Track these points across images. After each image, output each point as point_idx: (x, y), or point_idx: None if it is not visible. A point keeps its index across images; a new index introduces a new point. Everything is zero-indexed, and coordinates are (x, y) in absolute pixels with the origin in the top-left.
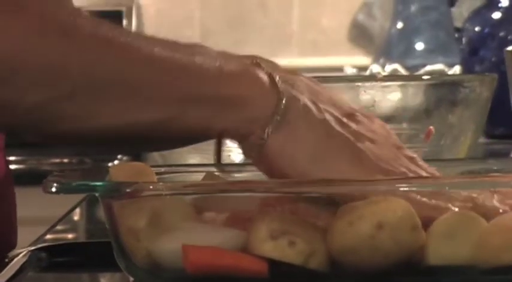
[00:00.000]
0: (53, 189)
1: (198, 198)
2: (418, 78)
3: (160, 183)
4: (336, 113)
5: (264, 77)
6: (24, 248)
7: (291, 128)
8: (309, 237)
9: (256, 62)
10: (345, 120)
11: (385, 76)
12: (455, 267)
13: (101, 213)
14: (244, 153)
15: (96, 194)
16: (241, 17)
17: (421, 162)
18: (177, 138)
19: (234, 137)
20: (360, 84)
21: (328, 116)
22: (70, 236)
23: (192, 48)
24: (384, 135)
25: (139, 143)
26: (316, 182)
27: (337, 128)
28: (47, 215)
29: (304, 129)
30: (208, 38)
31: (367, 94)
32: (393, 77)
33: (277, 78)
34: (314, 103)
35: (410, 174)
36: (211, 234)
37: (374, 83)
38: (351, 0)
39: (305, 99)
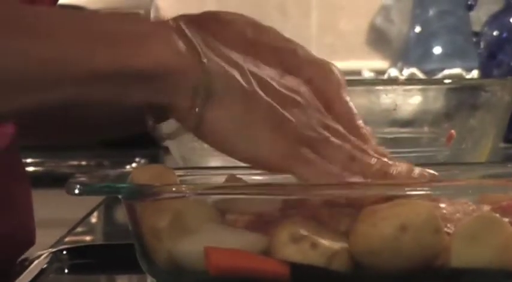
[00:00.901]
0: (76, 191)
1: (220, 200)
2: (439, 82)
3: (183, 185)
4: (264, 76)
5: (184, 47)
6: (44, 249)
7: (216, 98)
8: (330, 239)
9: (181, 30)
10: (274, 83)
11: (406, 80)
12: (479, 270)
13: (118, 215)
14: (183, 126)
15: (119, 196)
16: (260, 19)
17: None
18: (99, 116)
19: (158, 109)
20: (381, 87)
21: (254, 84)
22: (88, 238)
23: (113, 18)
24: (308, 98)
25: (76, 122)
26: (337, 186)
27: (263, 95)
28: (65, 217)
29: (229, 99)
30: None
31: (389, 98)
32: (414, 80)
33: (199, 46)
34: (241, 71)
35: (333, 139)
36: (233, 236)
37: (396, 87)
38: (369, 4)
39: (230, 68)
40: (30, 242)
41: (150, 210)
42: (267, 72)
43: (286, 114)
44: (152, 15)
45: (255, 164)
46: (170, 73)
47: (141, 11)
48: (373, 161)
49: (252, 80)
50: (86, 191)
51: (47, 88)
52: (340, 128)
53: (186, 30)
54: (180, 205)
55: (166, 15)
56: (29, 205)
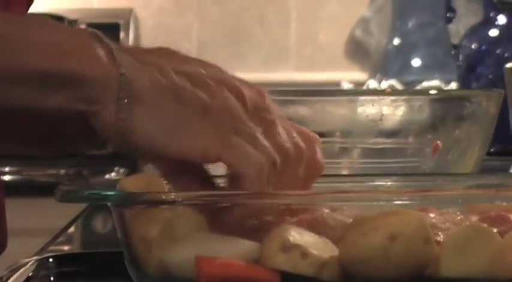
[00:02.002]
0: (66, 198)
1: (210, 208)
2: (425, 92)
3: (173, 193)
4: (186, 70)
5: (101, 51)
6: (27, 258)
7: (140, 103)
8: (321, 248)
9: (97, 36)
10: (198, 75)
11: (393, 90)
12: (469, 280)
13: (97, 224)
14: (101, 134)
15: (108, 204)
16: (239, 31)
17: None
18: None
19: (77, 115)
20: (367, 98)
21: (178, 81)
22: (68, 246)
23: (28, 20)
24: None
25: None
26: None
27: (188, 90)
28: (43, 225)
29: (153, 102)
30: (205, 51)
31: (375, 108)
32: (400, 91)
33: (116, 52)
34: (163, 71)
35: (259, 134)
36: (224, 245)
37: (382, 97)
38: (348, 16)
39: (152, 68)
40: (2, 245)
41: (140, 218)
42: (191, 68)
43: (215, 103)
44: (132, 25)
45: (183, 158)
46: (89, 79)
47: (121, 21)
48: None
49: (174, 75)
50: (76, 198)
51: None
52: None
53: (103, 38)
54: (170, 213)
55: (146, 25)
56: (1, 210)
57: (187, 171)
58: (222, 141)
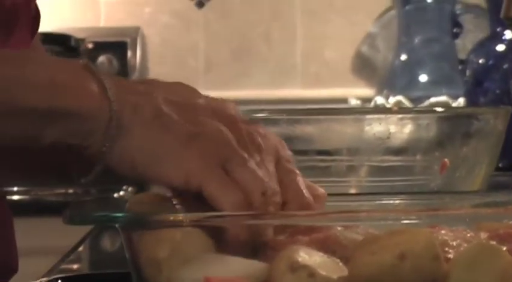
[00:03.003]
0: (74, 221)
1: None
2: (432, 110)
3: (181, 215)
4: (176, 99)
5: (94, 86)
6: (35, 279)
7: (127, 135)
8: (330, 268)
9: (89, 69)
10: (188, 106)
11: (400, 108)
12: None
13: (105, 244)
14: (92, 162)
15: (116, 225)
16: (245, 48)
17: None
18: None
19: (70, 148)
20: (375, 116)
21: (165, 110)
22: (77, 266)
23: (23, 58)
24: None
25: None
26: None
27: (173, 115)
28: (52, 245)
29: (140, 133)
30: (212, 68)
31: (382, 126)
32: (407, 109)
33: (108, 84)
34: (149, 99)
35: (250, 164)
36: (232, 265)
37: (389, 115)
38: (354, 32)
39: (138, 99)
40: (13, 269)
41: (148, 239)
42: (181, 96)
43: (199, 133)
44: (139, 43)
45: (166, 185)
46: (80, 114)
47: (128, 40)
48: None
49: (162, 104)
50: (84, 220)
51: None
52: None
53: (95, 70)
54: (179, 234)
55: (153, 43)
56: (11, 232)
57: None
58: (205, 171)
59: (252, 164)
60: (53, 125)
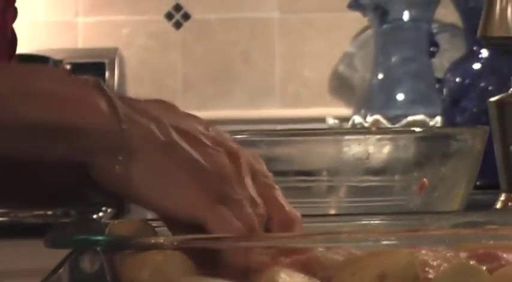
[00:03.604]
0: (55, 244)
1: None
2: (411, 131)
3: (162, 238)
4: (185, 128)
5: (104, 103)
6: None
7: (135, 156)
8: None
9: (99, 87)
10: (197, 135)
11: (378, 129)
12: None
13: (85, 265)
14: (99, 183)
15: (98, 248)
16: (224, 68)
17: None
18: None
19: (77, 166)
20: (354, 137)
21: (173, 137)
22: None
23: (33, 71)
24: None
25: None
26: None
27: (182, 147)
28: (30, 267)
29: (147, 156)
30: (190, 89)
31: (361, 147)
32: (386, 129)
33: (118, 103)
34: (160, 125)
35: (245, 202)
36: None
37: (368, 136)
38: (332, 51)
39: (149, 122)
40: None
41: (130, 262)
42: (190, 125)
43: (206, 165)
44: (117, 64)
45: (169, 215)
46: (90, 131)
47: (106, 61)
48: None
49: (172, 131)
50: (65, 244)
51: None
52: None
53: (106, 89)
54: (160, 257)
55: (131, 64)
56: None
57: None
58: (208, 205)
59: (246, 202)
60: (61, 141)
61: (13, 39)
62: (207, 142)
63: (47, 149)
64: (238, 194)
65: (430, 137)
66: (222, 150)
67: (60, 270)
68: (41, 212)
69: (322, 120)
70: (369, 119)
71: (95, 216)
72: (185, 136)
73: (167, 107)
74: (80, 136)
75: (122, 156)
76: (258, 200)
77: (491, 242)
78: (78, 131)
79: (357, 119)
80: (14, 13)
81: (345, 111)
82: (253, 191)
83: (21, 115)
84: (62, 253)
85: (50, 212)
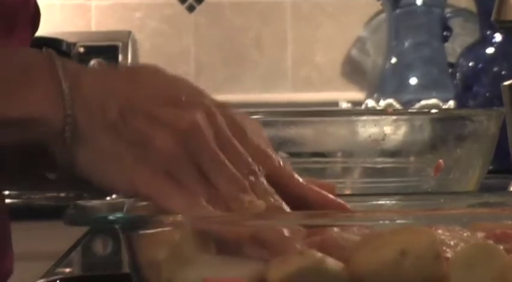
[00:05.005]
0: (73, 222)
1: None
2: (427, 112)
3: (180, 215)
4: (136, 104)
5: (50, 89)
6: (33, 281)
7: (80, 139)
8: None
9: (49, 61)
10: (150, 109)
11: (394, 110)
12: None
13: (97, 247)
14: (60, 165)
15: (116, 226)
16: (236, 53)
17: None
18: None
19: (30, 151)
20: (370, 117)
21: (120, 112)
22: (68, 270)
23: None
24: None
25: None
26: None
27: (130, 121)
28: (43, 249)
29: (93, 135)
30: (203, 73)
31: (377, 128)
32: (403, 111)
33: (64, 85)
34: (107, 101)
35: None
36: (230, 266)
37: (384, 117)
38: (345, 36)
39: (96, 104)
40: (9, 271)
41: (148, 241)
42: (144, 101)
43: (155, 138)
44: (130, 48)
45: (117, 190)
46: (38, 119)
47: (119, 44)
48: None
49: (116, 110)
50: (84, 221)
51: None
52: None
53: (57, 64)
54: (178, 236)
55: (144, 48)
56: (7, 234)
57: None
58: (149, 181)
59: (225, 161)
60: (11, 131)
61: (36, 14)
62: (169, 104)
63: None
64: (189, 168)
65: (445, 118)
66: (194, 108)
67: (73, 253)
68: (54, 194)
69: (334, 104)
70: (382, 103)
71: (108, 198)
72: (133, 114)
73: (131, 72)
74: (28, 126)
75: (69, 141)
76: (245, 157)
77: (510, 221)
78: (25, 121)
79: (370, 103)
80: None
81: (357, 95)
82: (236, 149)
83: None
84: (74, 236)
85: (62, 194)
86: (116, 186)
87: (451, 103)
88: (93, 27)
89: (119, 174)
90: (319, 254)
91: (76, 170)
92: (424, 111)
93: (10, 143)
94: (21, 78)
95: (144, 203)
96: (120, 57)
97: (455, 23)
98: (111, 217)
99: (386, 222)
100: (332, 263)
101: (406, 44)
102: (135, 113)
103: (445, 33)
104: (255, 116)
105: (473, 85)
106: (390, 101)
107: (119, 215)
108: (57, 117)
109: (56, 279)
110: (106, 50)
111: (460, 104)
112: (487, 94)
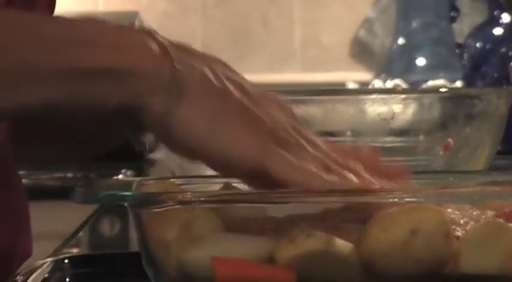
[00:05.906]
0: (83, 199)
1: (225, 208)
2: (436, 90)
3: (190, 193)
4: (237, 79)
5: (155, 46)
6: (43, 259)
7: (189, 98)
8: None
9: (150, 33)
10: (247, 87)
11: (403, 89)
12: (487, 276)
13: (105, 227)
14: (148, 129)
15: (125, 204)
16: (243, 33)
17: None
18: (79, 121)
19: (131, 111)
20: (379, 96)
21: (226, 84)
22: (76, 249)
23: (86, 23)
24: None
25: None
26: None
27: (236, 95)
28: (51, 229)
29: (201, 99)
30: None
31: (386, 107)
32: (411, 89)
33: (170, 47)
34: (213, 72)
35: (307, 146)
36: (239, 244)
37: (394, 96)
38: (352, 17)
39: (203, 68)
40: (27, 253)
41: (158, 219)
42: (240, 78)
43: (260, 113)
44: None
45: (227, 164)
46: (144, 73)
47: (126, 24)
48: (349, 175)
49: (225, 80)
50: (93, 199)
51: (28, 87)
52: (317, 140)
53: (157, 35)
54: (188, 214)
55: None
56: (26, 216)
57: None
58: (267, 149)
59: (307, 145)
60: (118, 84)
61: None
62: (256, 93)
63: (105, 94)
64: (296, 138)
65: (454, 97)
66: (275, 105)
67: (81, 233)
68: (61, 175)
69: (342, 85)
70: (389, 83)
71: (115, 177)
72: (235, 85)
73: (216, 59)
74: (133, 78)
75: (172, 96)
76: (322, 144)
77: None
78: (133, 73)
79: (377, 83)
80: None
81: (364, 75)
82: (313, 138)
83: (74, 61)
84: (81, 216)
85: (70, 174)
86: (224, 152)
87: (458, 84)
88: (101, 8)
89: (228, 140)
90: (328, 236)
91: (172, 135)
92: (433, 90)
93: (118, 96)
94: (127, 38)
95: (152, 181)
96: None
97: (464, 3)
98: (121, 194)
99: (396, 200)
100: (341, 244)
101: (414, 24)
102: (240, 87)
103: (452, 14)
104: None
105: (481, 65)
106: (397, 81)
107: (128, 192)
108: (163, 70)
109: (64, 259)
110: None
111: (468, 85)
112: (495, 75)
